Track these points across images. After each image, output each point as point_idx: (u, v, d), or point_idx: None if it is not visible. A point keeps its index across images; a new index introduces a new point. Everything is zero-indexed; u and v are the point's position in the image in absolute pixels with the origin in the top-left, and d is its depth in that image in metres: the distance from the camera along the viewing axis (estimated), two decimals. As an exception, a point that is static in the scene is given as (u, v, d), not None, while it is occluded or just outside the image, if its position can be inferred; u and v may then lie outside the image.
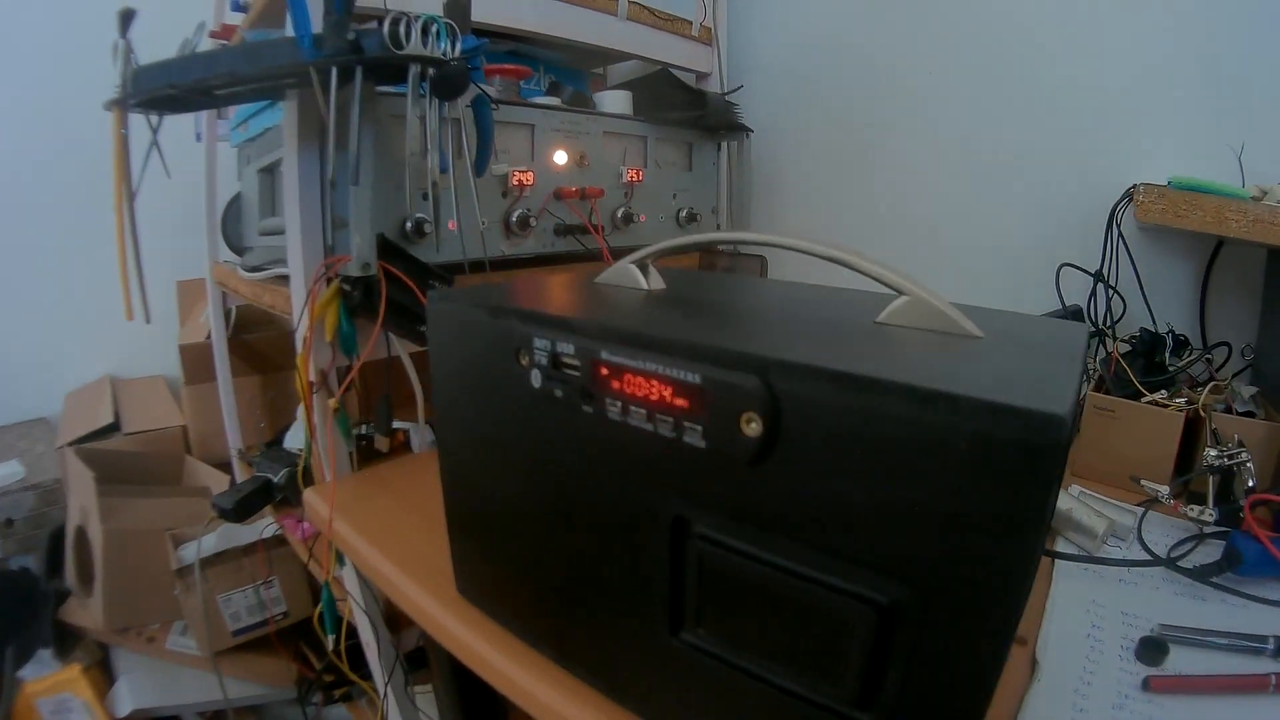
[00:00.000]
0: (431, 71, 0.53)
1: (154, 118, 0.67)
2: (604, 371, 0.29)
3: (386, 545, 0.52)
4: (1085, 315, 0.77)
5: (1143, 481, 0.56)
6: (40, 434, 1.17)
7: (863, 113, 0.95)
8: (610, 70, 1.03)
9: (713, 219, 0.88)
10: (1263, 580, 0.49)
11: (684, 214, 0.83)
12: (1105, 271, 0.76)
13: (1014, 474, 0.21)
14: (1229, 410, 0.60)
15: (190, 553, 0.93)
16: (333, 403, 0.61)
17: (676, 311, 0.33)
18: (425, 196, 0.62)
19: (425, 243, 0.64)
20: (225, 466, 1.12)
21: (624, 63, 0.91)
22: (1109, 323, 0.74)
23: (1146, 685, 0.39)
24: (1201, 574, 0.49)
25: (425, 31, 0.53)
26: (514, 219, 0.66)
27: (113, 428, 1.07)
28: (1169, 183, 0.68)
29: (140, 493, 1.00)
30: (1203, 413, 0.59)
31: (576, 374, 0.30)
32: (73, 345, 1.24)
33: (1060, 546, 0.53)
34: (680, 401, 0.26)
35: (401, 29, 0.53)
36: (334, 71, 0.52)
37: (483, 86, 0.55)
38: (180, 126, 0.99)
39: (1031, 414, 0.20)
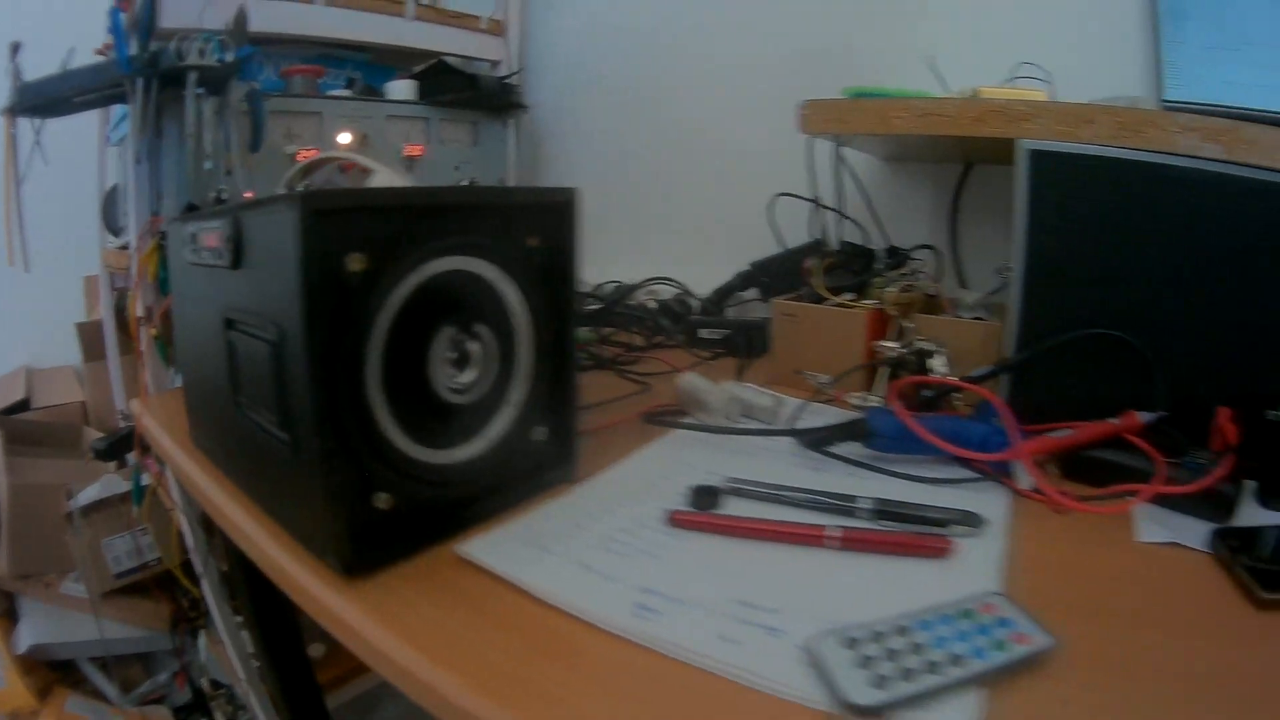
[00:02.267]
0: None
1: (37, 122, 1.03)
2: (202, 237, 0.57)
3: (179, 434, 0.81)
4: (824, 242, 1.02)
5: (804, 373, 0.77)
6: (-38, 420, 1.53)
7: (633, 87, 1.29)
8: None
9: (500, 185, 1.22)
10: (907, 459, 0.60)
11: (466, 182, 1.14)
12: (829, 197, 1.01)
13: (283, 246, 0.41)
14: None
15: (77, 500, 1.25)
16: (152, 331, 0.93)
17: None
18: (228, 173, 0.94)
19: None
20: (120, 437, 1.46)
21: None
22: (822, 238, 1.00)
23: (668, 520, 0.49)
24: (814, 442, 0.62)
25: (205, 48, 0.87)
26: (299, 189, 0.97)
27: (23, 405, 1.42)
28: (843, 92, 0.85)
29: (44, 454, 1.33)
30: (891, 311, 0.79)
31: (195, 243, 0.57)
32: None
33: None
34: (218, 243, 0.53)
35: (184, 46, 0.86)
36: (139, 81, 0.86)
37: (254, 84, 0.88)
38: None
39: (281, 208, 0.42)
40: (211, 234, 0.53)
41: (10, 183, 0.96)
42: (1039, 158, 0.74)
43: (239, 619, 1.04)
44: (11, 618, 1.30)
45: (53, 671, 1.30)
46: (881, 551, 0.47)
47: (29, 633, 1.24)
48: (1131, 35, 0.95)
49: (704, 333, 0.97)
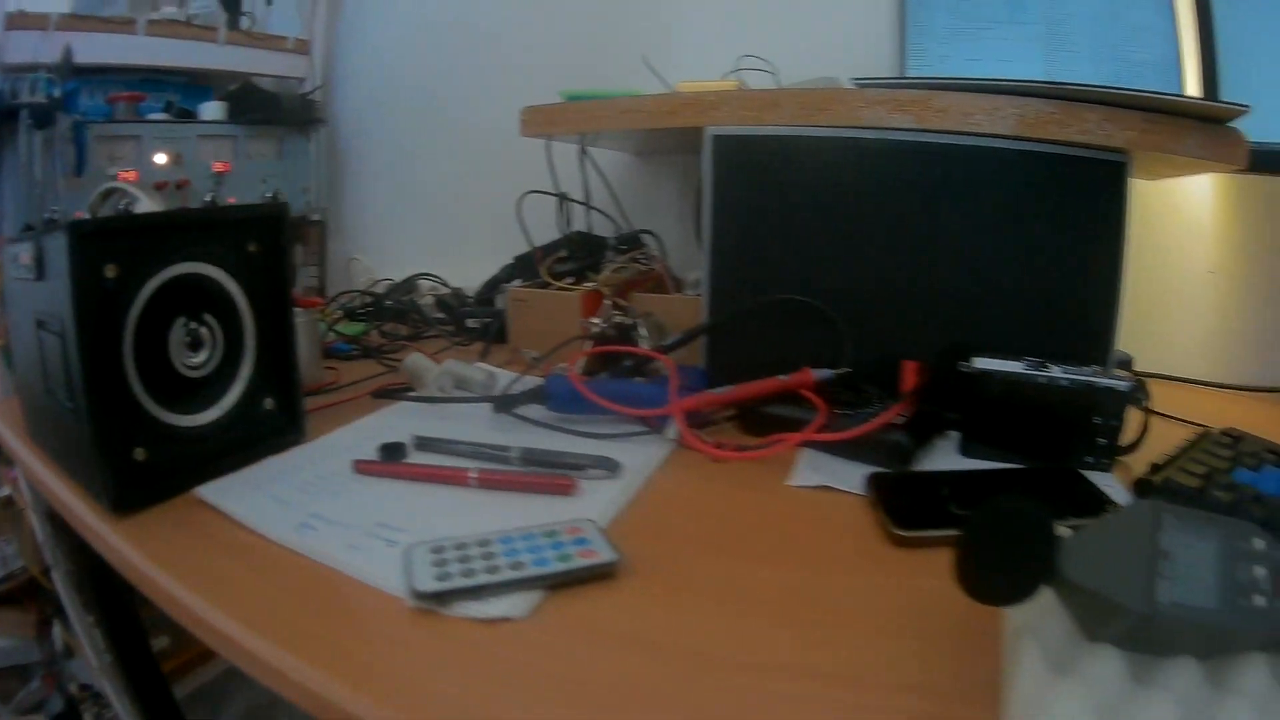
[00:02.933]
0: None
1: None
2: (20, 256, 0.71)
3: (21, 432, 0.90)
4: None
5: (521, 351, 0.95)
6: None
7: (422, 96, 1.53)
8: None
9: (301, 195, 1.43)
10: (595, 419, 0.76)
11: (269, 195, 1.34)
12: (579, 192, 1.21)
13: (61, 260, 0.58)
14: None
15: (-61, 511, 1.38)
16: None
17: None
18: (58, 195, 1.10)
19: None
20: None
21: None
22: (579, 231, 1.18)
23: (354, 468, 0.66)
24: (502, 406, 0.79)
25: (34, 85, 1.03)
26: (121, 207, 1.13)
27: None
28: (560, 96, 1.01)
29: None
30: (604, 291, 0.97)
31: (16, 261, 0.73)
32: None
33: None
34: (29, 260, 0.68)
35: (18, 85, 1.02)
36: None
37: (77, 116, 1.04)
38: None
39: (59, 232, 0.58)
40: (25, 253, 0.68)
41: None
42: (720, 142, 0.85)
43: (90, 618, 1.18)
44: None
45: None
46: (514, 489, 0.63)
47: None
48: (883, 24, 1.15)
49: (470, 322, 1.15)
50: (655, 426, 0.75)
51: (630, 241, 1.12)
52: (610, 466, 0.66)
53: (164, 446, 0.64)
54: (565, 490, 0.62)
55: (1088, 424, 0.73)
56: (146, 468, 0.63)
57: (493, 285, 1.23)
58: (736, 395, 0.78)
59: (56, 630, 1.36)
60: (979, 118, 0.78)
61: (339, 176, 1.67)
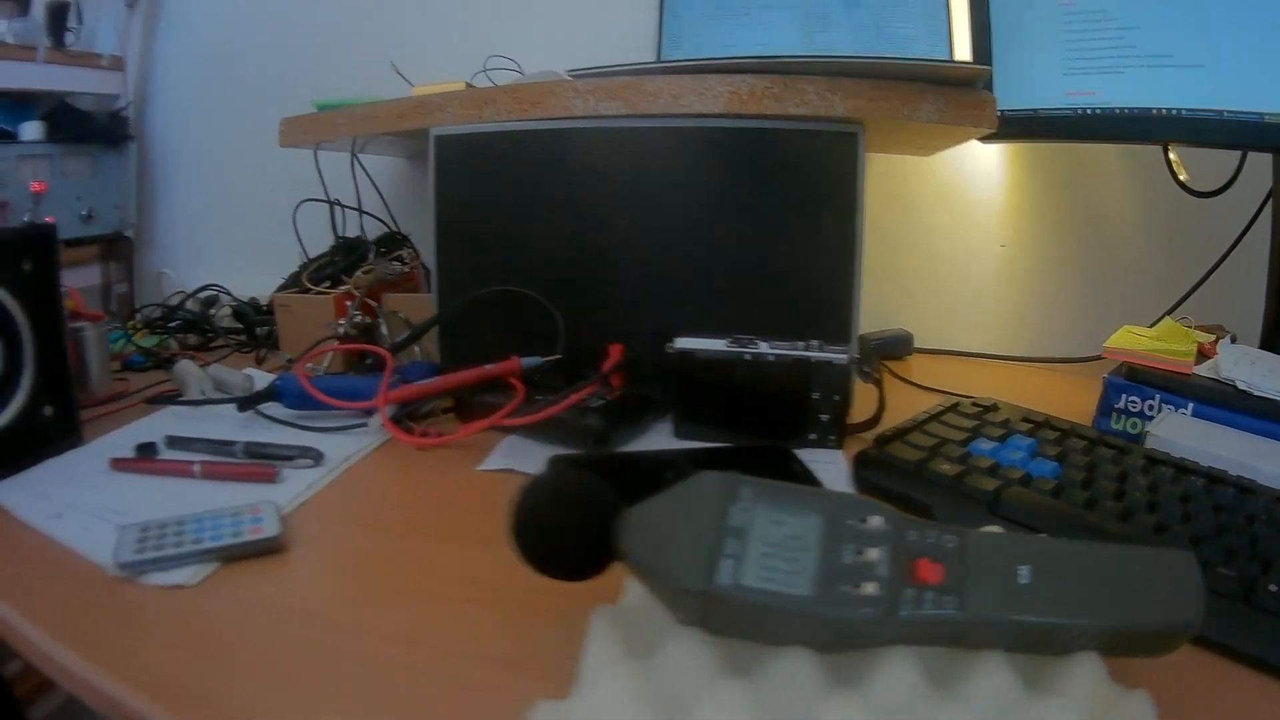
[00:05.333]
0: None
1: None
2: None
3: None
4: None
5: (278, 353, 1.13)
6: None
7: (234, 108, 1.68)
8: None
9: (115, 212, 1.58)
10: (319, 413, 0.90)
11: (84, 212, 1.49)
12: (351, 198, 1.37)
13: None
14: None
15: None
16: None
17: None
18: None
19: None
20: None
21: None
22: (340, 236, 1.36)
23: (110, 465, 0.78)
24: (243, 405, 0.91)
25: None
26: None
27: None
28: (312, 105, 1.12)
29: None
30: (355, 292, 1.13)
31: None
32: None
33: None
34: None
35: None
36: None
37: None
38: None
39: None
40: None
41: None
42: (442, 141, 0.94)
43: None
44: None
45: None
46: (228, 479, 0.77)
47: None
48: (642, 17, 1.30)
49: (260, 330, 1.33)
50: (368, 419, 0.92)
51: (391, 244, 1.30)
52: (315, 456, 0.81)
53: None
54: (268, 478, 0.77)
55: (805, 400, 0.74)
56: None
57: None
58: (441, 385, 0.90)
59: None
60: (690, 99, 0.80)
61: (151, 191, 1.82)
